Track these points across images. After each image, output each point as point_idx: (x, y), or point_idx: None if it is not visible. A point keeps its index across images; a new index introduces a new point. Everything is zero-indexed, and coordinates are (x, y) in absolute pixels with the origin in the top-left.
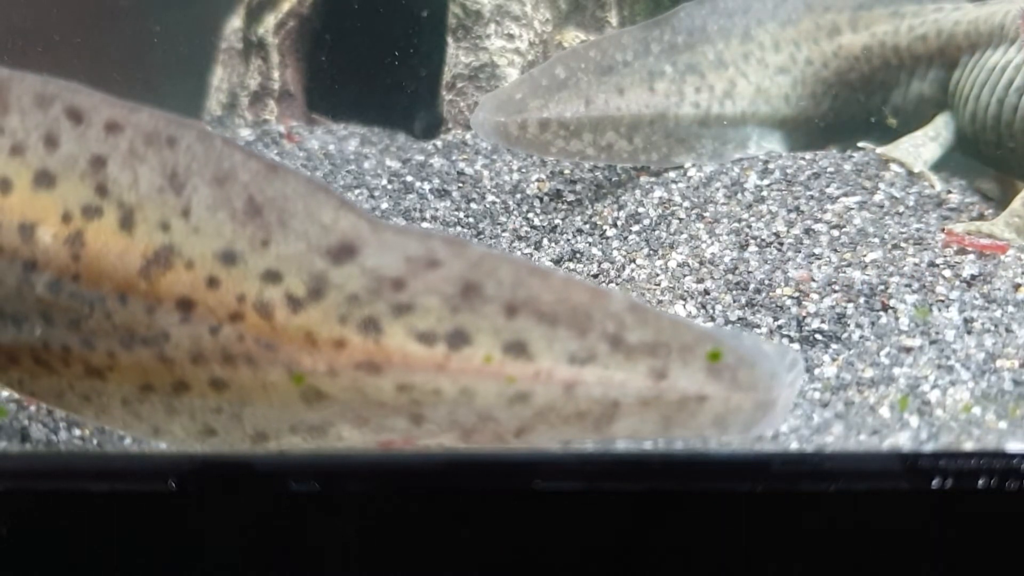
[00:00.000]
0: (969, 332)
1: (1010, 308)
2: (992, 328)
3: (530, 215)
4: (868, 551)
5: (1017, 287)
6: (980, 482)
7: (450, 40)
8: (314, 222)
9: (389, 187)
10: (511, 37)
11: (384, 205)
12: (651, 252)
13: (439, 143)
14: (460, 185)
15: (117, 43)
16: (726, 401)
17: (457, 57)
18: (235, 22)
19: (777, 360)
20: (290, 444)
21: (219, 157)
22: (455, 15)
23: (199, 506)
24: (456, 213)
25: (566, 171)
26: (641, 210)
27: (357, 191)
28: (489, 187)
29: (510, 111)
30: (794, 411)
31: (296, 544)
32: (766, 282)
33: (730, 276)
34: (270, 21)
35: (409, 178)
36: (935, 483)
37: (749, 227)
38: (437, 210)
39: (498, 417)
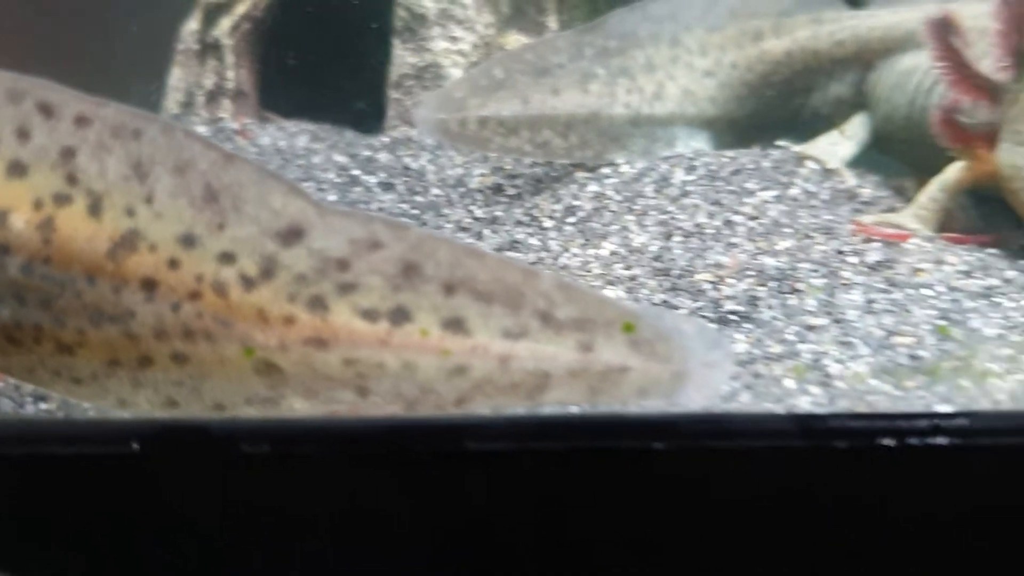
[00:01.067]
0: (871, 312)
1: (909, 291)
2: (892, 309)
3: (472, 207)
4: (764, 503)
5: (917, 272)
6: (867, 441)
7: (396, 42)
8: (265, 207)
9: (337, 180)
10: (455, 39)
11: (332, 197)
12: (585, 242)
13: (386, 139)
14: (406, 179)
15: (78, 45)
16: (646, 372)
17: (403, 58)
18: (192, 24)
19: (697, 337)
20: (246, 415)
21: (180, 148)
22: (401, 18)
23: (160, 466)
24: (401, 205)
25: (507, 167)
26: (577, 203)
27: (306, 184)
28: (433, 181)
29: (451, 109)
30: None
31: (249, 502)
32: (688, 268)
33: (656, 263)
34: (225, 24)
35: (356, 172)
36: (825, 442)
37: (674, 219)
38: (383, 202)
39: (438, 389)
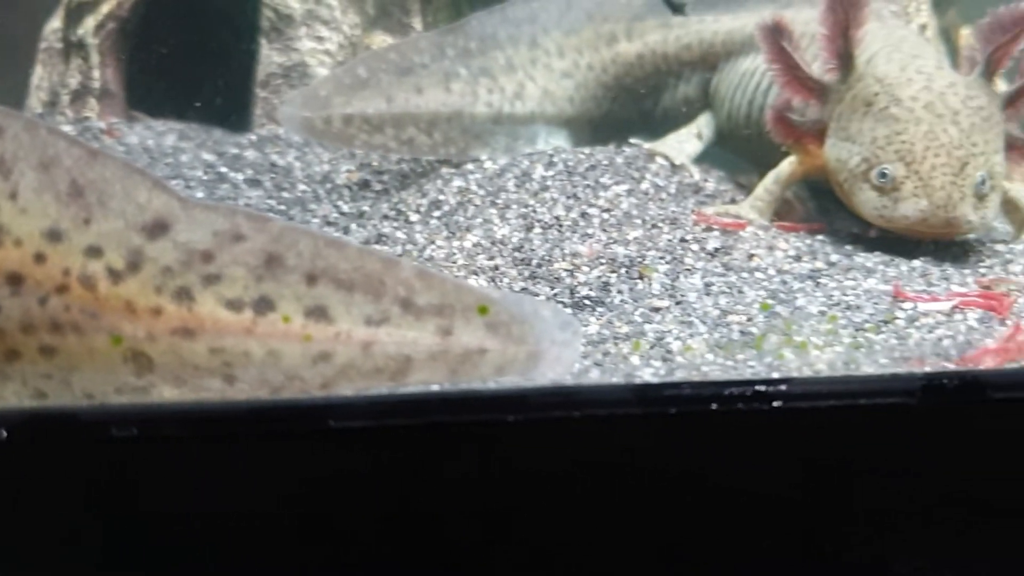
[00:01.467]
0: (708, 294)
1: (744, 274)
2: (727, 291)
3: (339, 203)
4: (608, 467)
5: (751, 257)
6: (698, 407)
7: (263, 41)
8: (131, 201)
9: (204, 178)
10: (321, 39)
11: (199, 194)
12: (450, 234)
13: (253, 137)
14: (273, 175)
15: None
16: (503, 353)
17: (270, 57)
18: (55, 23)
19: (551, 319)
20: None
21: (44, 144)
22: (268, 18)
23: (29, 453)
24: (268, 201)
25: (374, 163)
26: (442, 198)
27: (174, 182)
28: (300, 177)
29: (316, 107)
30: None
31: (119, 485)
32: (546, 258)
33: (517, 254)
34: (90, 23)
35: (223, 169)
36: (660, 408)
37: (534, 212)
38: (250, 198)
39: (303, 375)
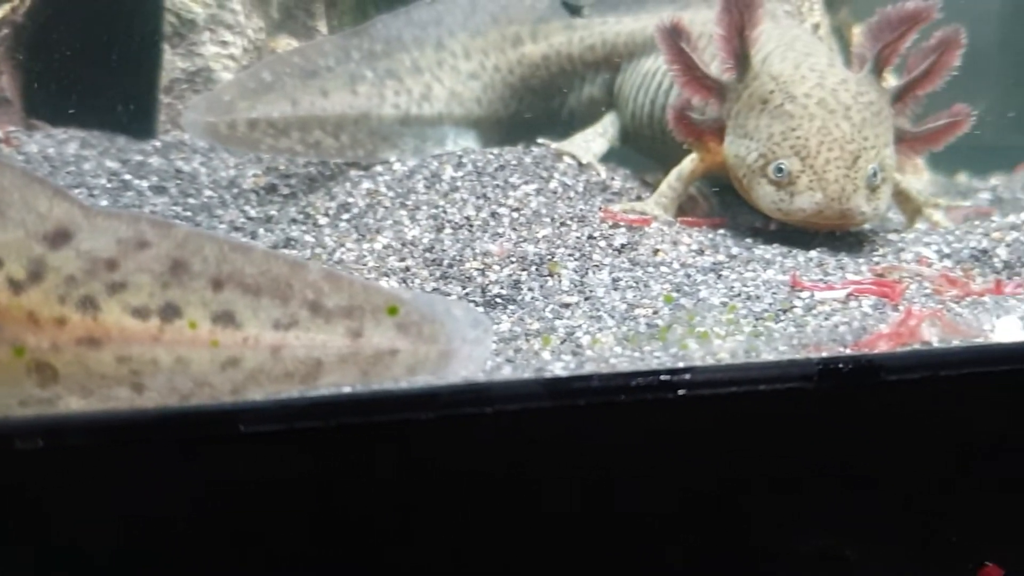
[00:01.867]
0: (616, 289)
1: (649, 269)
2: (634, 285)
3: (246, 207)
4: (522, 460)
5: (656, 252)
6: (608, 398)
7: (167, 47)
8: (31, 211)
9: (108, 186)
10: (225, 44)
11: (103, 202)
12: (360, 237)
13: (158, 144)
14: (178, 182)
15: None
16: (414, 352)
17: (174, 63)
18: None
19: (462, 318)
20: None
21: None
22: (171, 23)
23: None
24: (174, 208)
25: (281, 167)
26: (351, 200)
27: (77, 191)
28: (206, 183)
29: (219, 112)
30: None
31: (25, 496)
32: (457, 258)
33: (428, 254)
34: None
35: (128, 177)
36: (569, 401)
37: (445, 212)
38: (155, 205)
39: (212, 381)
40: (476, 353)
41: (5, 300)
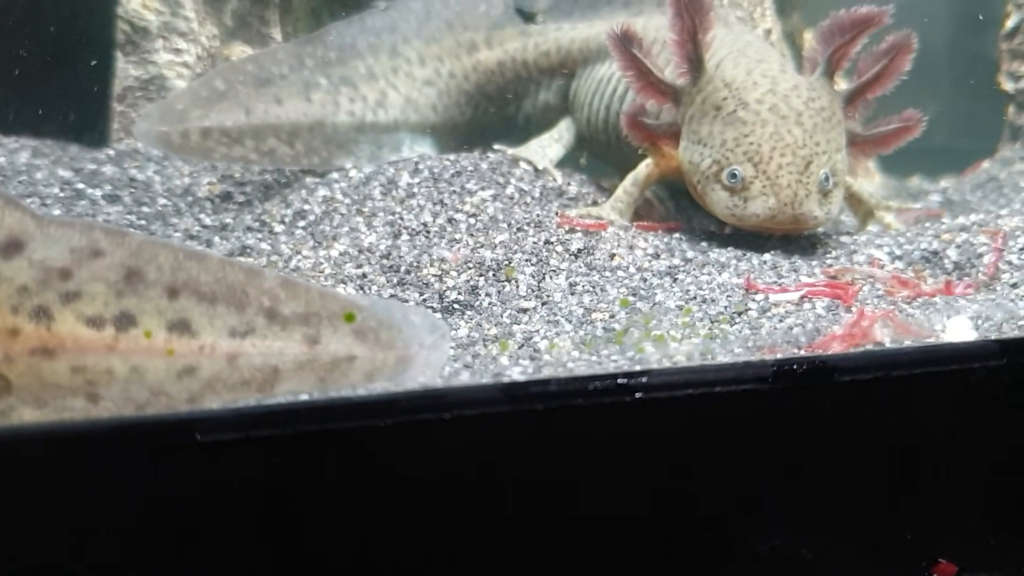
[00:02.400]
0: (573, 293)
1: (606, 273)
2: (591, 289)
3: (201, 215)
4: (480, 465)
5: (612, 256)
6: (565, 402)
7: (119, 55)
8: None
9: (61, 195)
10: (179, 51)
11: (56, 212)
12: (316, 244)
13: (111, 152)
14: (132, 190)
15: None
16: (372, 359)
17: (127, 71)
18: None
19: (419, 323)
20: None
21: None
22: (123, 31)
23: None
24: (128, 216)
25: (236, 174)
26: (307, 207)
27: (29, 200)
28: (160, 191)
29: (172, 121)
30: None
31: None
32: (415, 264)
33: (385, 261)
34: None
35: (81, 186)
36: (526, 405)
37: (401, 219)
38: (109, 214)
39: (168, 390)
40: (433, 358)
41: None
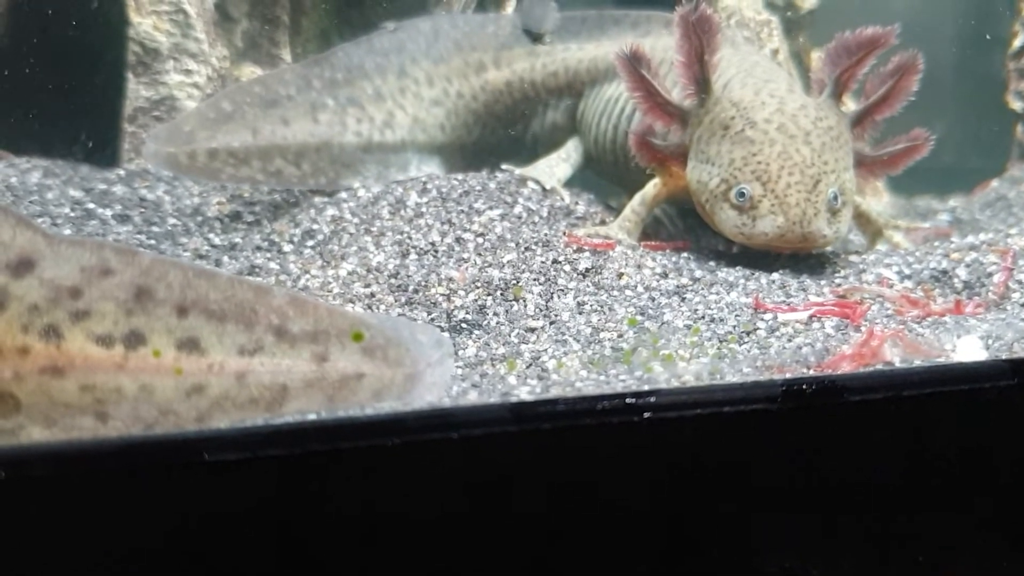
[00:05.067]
0: (581, 313)
1: (614, 292)
2: (599, 309)
3: (210, 235)
4: (487, 485)
5: (620, 275)
6: (573, 421)
7: (130, 76)
8: None
9: (72, 215)
10: (189, 72)
11: (67, 231)
12: (324, 263)
13: (122, 172)
14: (142, 210)
15: None
16: (380, 376)
17: (138, 92)
18: None
19: (426, 340)
20: None
21: None
22: (134, 52)
23: None
24: (138, 236)
25: (245, 194)
26: (315, 227)
27: (40, 220)
28: (170, 211)
29: (179, 142)
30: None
31: None
32: (423, 283)
33: (393, 280)
34: None
35: (91, 205)
36: (536, 425)
37: (410, 238)
38: (119, 234)
39: (177, 409)
40: (439, 375)
41: None
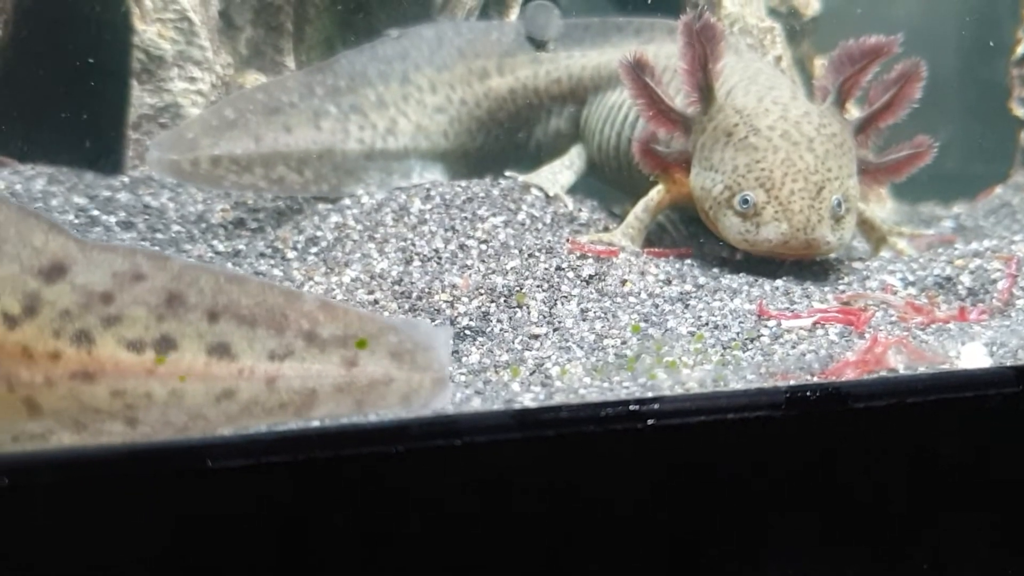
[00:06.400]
0: (584, 320)
1: (618, 299)
2: (602, 315)
3: (214, 242)
4: (491, 492)
5: (624, 282)
6: (576, 428)
7: (135, 83)
8: (26, 245)
9: (76, 221)
10: (193, 80)
11: None
12: (328, 270)
13: (126, 179)
14: (146, 217)
15: None
16: (408, 381)
17: (142, 99)
18: None
19: (447, 345)
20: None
21: None
22: (139, 60)
23: None
24: (141, 243)
25: (249, 201)
26: (319, 234)
27: None
28: (174, 218)
29: (182, 150)
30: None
31: None
32: (426, 290)
33: (396, 287)
34: None
35: (95, 212)
36: (539, 432)
37: (413, 245)
38: (123, 241)
39: (207, 415)
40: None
41: (0, 335)
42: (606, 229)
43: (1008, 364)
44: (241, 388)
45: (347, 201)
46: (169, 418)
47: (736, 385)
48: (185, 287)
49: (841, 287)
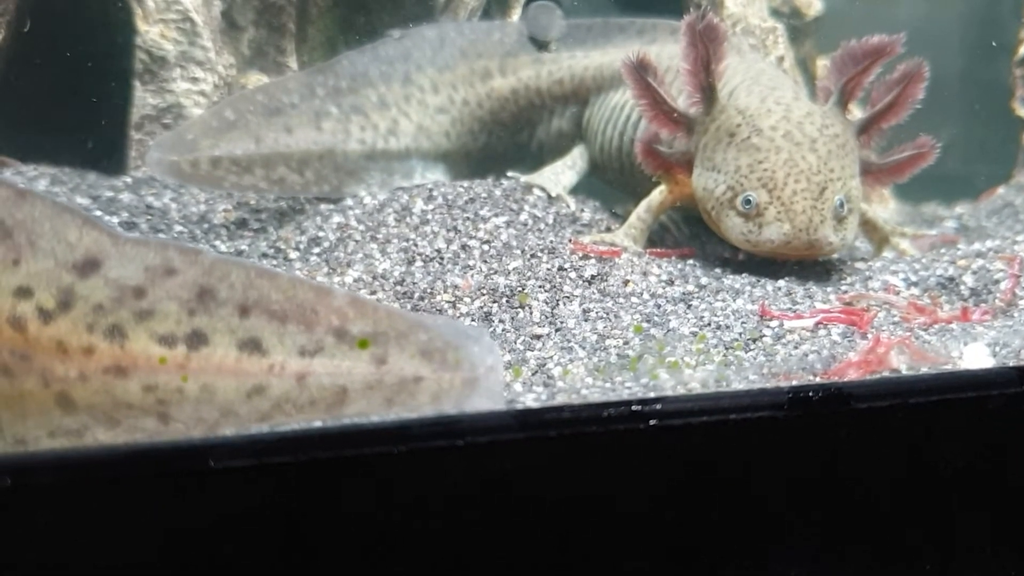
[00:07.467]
0: (586, 320)
1: (620, 299)
2: (604, 316)
3: (216, 242)
4: (493, 492)
5: (626, 283)
6: (578, 428)
7: (137, 84)
8: (61, 240)
9: None
10: (196, 80)
11: None
12: (330, 270)
13: (129, 180)
14: (149, 217)
15: None
16: (439, 380)
17: (144, 99)
18: None
19: (481, 344)
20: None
21: None
22: (141, 60)
23: None
24: None
25: (251, 201)
26: (321, 234)
27: None
28: (176, 218)
29: (183, 151)
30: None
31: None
32: (428, 290)
33: (399, 287)
34: None
35: (98, 213)
36: (541, 432)
37: (415, 245)
38: None
39: (238, 411)
40: (493, 380)
41: (35, 330)
42: (608, 229)
43: (1011, 364)
44: (272, 384)
45: (349, 201)
46: (201, 414)
47: (738, 385)
48: (216, 282)
49: (844, 287)
